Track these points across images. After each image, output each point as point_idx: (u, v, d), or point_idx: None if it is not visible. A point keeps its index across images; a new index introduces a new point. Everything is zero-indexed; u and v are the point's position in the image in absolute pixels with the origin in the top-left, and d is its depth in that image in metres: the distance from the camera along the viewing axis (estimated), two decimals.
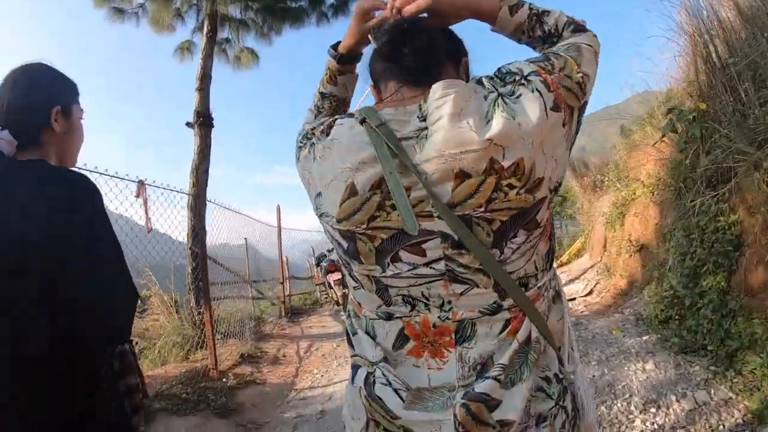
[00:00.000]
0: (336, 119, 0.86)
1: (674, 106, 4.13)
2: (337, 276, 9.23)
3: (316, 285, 10.95)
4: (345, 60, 1.08)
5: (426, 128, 0.76)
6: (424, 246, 0.77)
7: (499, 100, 0.74)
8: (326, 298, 10.07)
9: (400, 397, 0.81)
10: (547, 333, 0.85)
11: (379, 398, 0.83)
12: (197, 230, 6.91)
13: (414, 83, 0.87)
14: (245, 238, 8.90)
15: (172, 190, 4.79)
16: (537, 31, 0.91)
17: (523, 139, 0.72)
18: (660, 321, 3.95)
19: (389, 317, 0.87)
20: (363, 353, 0.91)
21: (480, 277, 0.78)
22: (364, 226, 0.79)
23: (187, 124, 8.09)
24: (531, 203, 0.75)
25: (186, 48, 11.04)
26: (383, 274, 0.82)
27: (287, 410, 4.20)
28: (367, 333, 0.91)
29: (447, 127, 0.72)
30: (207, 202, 7.08)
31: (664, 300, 3.95)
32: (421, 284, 0.81)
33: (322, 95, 1.14)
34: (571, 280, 8.93)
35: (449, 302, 0.81)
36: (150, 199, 4.36)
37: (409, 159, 0.75)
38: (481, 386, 0.78)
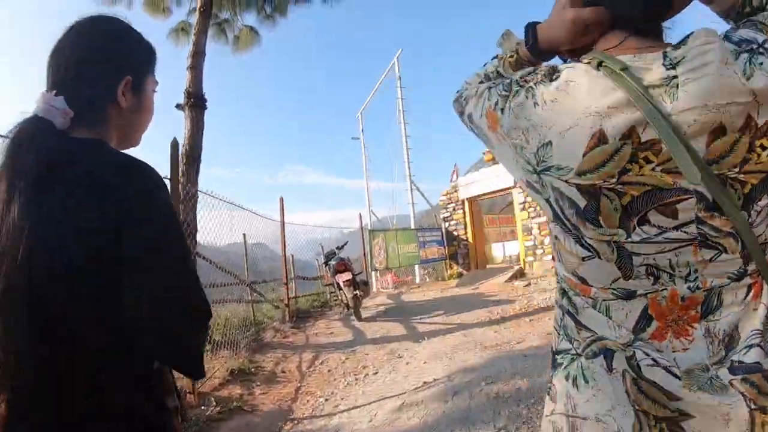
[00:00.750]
0: (556, 66, 0.82)
1: None
2: (346, 276, 8.38)
3: (325, 286, 10.07)
4: (542, 55, 0.99)
5: (676, 77, 0.72)
6: (678, 206, 0.73)
7: (753, 58, 0.71)
8: (336, 300, 9.19)
9: (677, 376, 0.74)
10: None
11: (652, 381, 0.76)
12: (187, 225, 6.26)
13: (642, 33, 0.83)
14: (243, 234, 8.02)
15: None
16: (746, 7, 0.85)
17: None
18: None
19: (630, 295, 0.79)
20: (604, 334, 0.81)
21: (729, 241, 0.74)
22: (614, 180, 0.73)
23: (177, 106, 7.36)
24: None
25: (182, 29, 10.29)
26: (628, 240, 0.75)
27: None
28: (600, 313, 0.82)
29: (715, 74, 0.69)
30: (199, 193, 6.34)
31: None
32: (669, 251, 0.75)
33: (499, 75, 1.04)
34: None
35: (695, 270, 0.75)
36: None
37: (661, 108, 0.70)
38: (750, 356, 0.73)
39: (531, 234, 12.07)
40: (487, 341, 5.50)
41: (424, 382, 4.06)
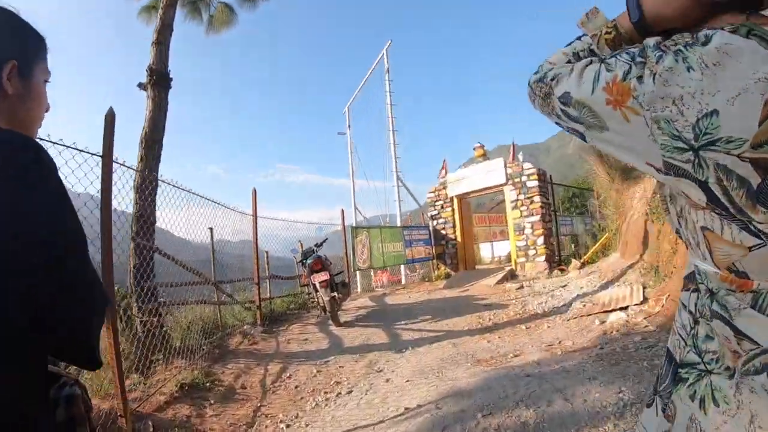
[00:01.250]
0: (700, 33, 0.72)
1: None
2: (323, 276, 7.63)
3: (301, 286, 9.34)
4: (648, 32, 0.88)
5: None
6: None
7: None
8: (313, 302, 8.46)
9: None
10: None
11: None
12: (145, 217, 5.56)
13: (759, 12, 0.77)
14: (210, 228, 7.25)
15: (76, 149, 3.09)
16: None
17: None
18: None
19: None
20: None
21: None
22: None
23: (140, 85, 6.64)
24: None
25: (152, 7, 9.54)
26: None
27: None
28: (761, 311, 0.74)
29: None
30: (160, 182, 5.62)
31: None
32: None
33: (592, 53, 0.97)
34: (609, 283, 7.52)
35: None
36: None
37: None
38: None
39: (523, 233, 11.46)
40: (479, 353, 4.84)
41: (406, 408, 3.37)
